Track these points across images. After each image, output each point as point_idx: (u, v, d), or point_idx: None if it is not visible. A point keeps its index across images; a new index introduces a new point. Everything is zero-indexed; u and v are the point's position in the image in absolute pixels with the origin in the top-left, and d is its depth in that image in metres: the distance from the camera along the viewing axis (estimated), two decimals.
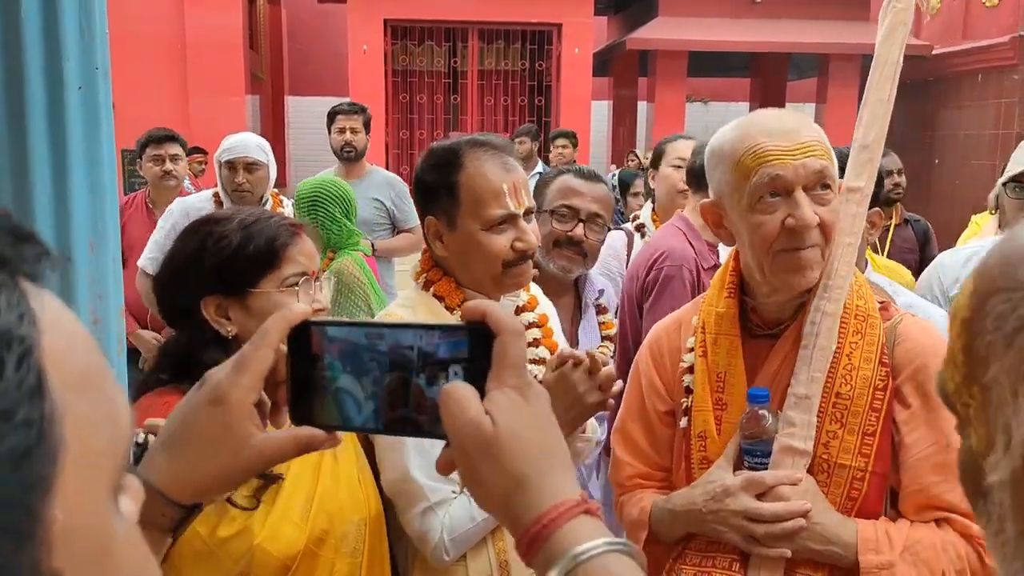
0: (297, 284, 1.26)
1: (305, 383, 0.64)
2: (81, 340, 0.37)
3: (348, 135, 3.89)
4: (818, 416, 1.16)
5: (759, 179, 1.16)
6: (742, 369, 1.24)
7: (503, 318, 0.59)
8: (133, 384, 1.32)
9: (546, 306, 1.59)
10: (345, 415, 0.63)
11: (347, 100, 4.41)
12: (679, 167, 2.69)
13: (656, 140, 10.20)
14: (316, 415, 0.64)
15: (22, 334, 0.32)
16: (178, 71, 8.81)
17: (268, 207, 3.29)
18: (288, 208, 3.37)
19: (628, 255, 2.71)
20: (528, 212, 1.40)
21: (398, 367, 0.60)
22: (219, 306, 1.26)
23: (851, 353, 1.18)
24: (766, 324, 1.27)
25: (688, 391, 1.31)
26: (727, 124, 1.27)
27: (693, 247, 2.27)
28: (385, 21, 9.08)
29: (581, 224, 2.05)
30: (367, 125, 3.99)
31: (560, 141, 6.16)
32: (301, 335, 0.64)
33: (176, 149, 3.66)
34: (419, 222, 1.51)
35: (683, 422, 1.31)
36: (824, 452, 1.16)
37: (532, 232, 1.39)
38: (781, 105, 12.11)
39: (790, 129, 1.19)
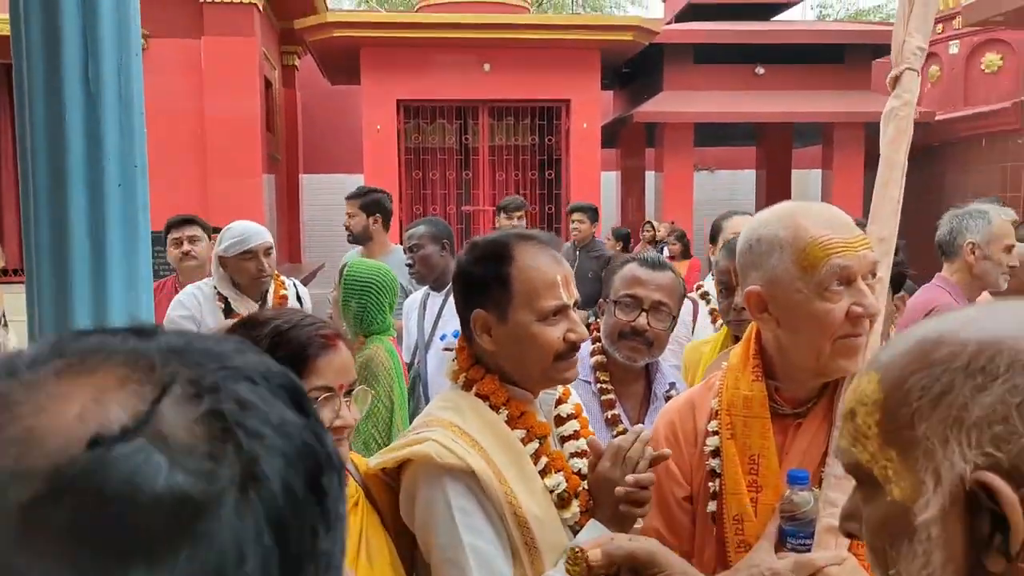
0: (318, 400, 1.20)
1: None
2: None
3: (346, 220, 4.03)
4: None
5: (829, 269, 1.20)
6: (775, 451, 1.26)
7: None
8: None
9: (576, 397, 1.58)
10: None
11: (359, 184, 4.49)
12: None
13: (665, 209, 10.31)
14: None
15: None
16: (198, 154, 9.04)
17: (269, 299, 3.23)
18: (291, 291, 3.34)
19: (694, 322, 2.79)
20: (575, 304, 1.40)
21: None
22: None
23: None
24: (790, 404, 1.30)
25: (714, 474, 1.32)
26: (765, 213, 1.32)
27: (957, 304, 2.62)
28: (398, 101, 9.34)
29: (644, 313, 2.03)
30: (366, 208, 4.02)
31: (577, 215, 5.91)
32: None
33: (194, 231, 3.72)
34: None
35: (711, 506, 1.32)
36: None
37: (581, 323, 1.40)
38: (787, 172, 12.29)
39: (846, 223, 1.26)
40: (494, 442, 1.32)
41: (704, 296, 2.91)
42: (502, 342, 1.37)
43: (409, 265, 3.48)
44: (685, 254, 8.43)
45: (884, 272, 1.31)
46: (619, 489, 1.28)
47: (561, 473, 1.36)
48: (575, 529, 1.33)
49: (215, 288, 3.15)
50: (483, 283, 1.38)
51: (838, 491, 1.18)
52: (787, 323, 1.26)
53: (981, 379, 0.57)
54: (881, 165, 1.37)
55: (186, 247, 3.65)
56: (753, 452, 1.26)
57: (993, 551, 0.55)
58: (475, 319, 1.38)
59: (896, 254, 1.69)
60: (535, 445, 1.36)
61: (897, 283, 2.48)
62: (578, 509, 1.35)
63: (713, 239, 3.24)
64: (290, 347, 1.23)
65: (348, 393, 1.27)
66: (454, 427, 1.31)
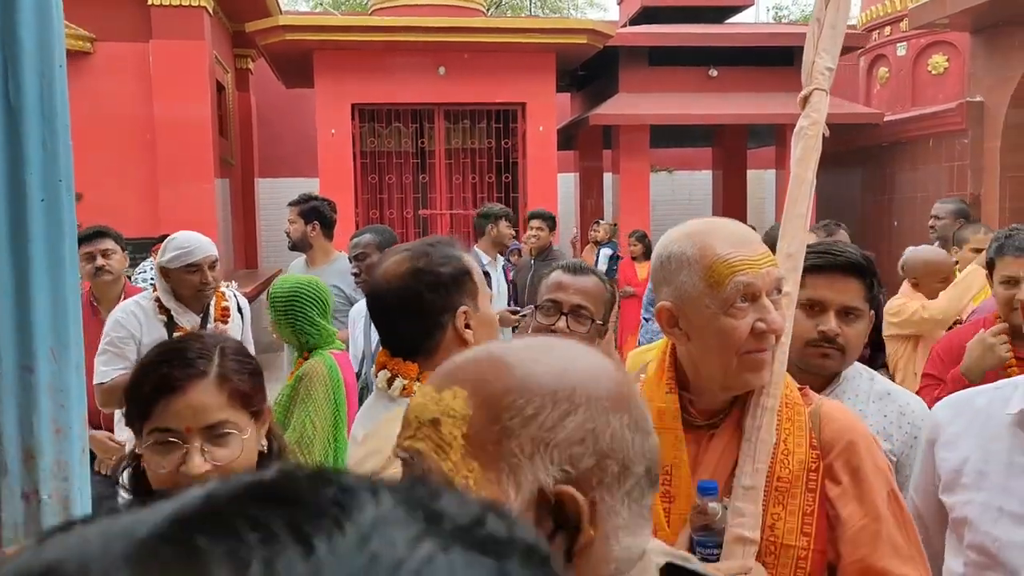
0: (162, 442, 1.27)
1: None
2: None
3: (287, 226, 4.05)
4: (774, 498, 1.22)
5: (734, 286, 1.22)
6: (686, 461, 1.28)
7: None
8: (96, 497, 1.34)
9: None
10: None
11: (314, 189, 4.48)
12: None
13: (623, 210, 10.36)
14: None
15: None
16: (147, 159, 8.88)
17: (211, 311, 3.17)
18: (232, 301, 3.28)
19: None
20: None
21: None
22: (138, 438, 1.32)
23: (786, 439, 1.24)
24: (703, 416, 1.32)
25: None
26: (676, 230, 1.33)
27: None
28: (353, 105, 9.27)
29: (564, 317, 2.06)
30: (305, 215, 4.02)
31: (536, 223, 5.75)
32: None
33: (108, 244, 3.51)
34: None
35: None
36: (771, 535, 1.21)
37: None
38: (743, 173, 12.46)
39: (751, 240, 1.28)
40: None
41: None
42: (477, 332, 1.50)
43: (355, 274, 3.46)
44: (647, 255, 8.48)
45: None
46: None
47: None
48: None
49: (155, 301, 3.07)
50: (456, 279, 1.51)
51: (746, 501, 1.21)
52: (696, 338, 1.27)
53: (567, 406, 0.66)
54: (791, 183, 1.39)
55: (99, 261, 3.46)
56: (666, 463, 1.27)
57: (555, 550, 0.63)
58: (459, 315, 1.50)
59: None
60: None
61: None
62: None
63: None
64: (150, 383, 1.31)
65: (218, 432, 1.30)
66: None
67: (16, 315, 1.69)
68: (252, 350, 3.12)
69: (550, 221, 5.82)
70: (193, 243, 3.05)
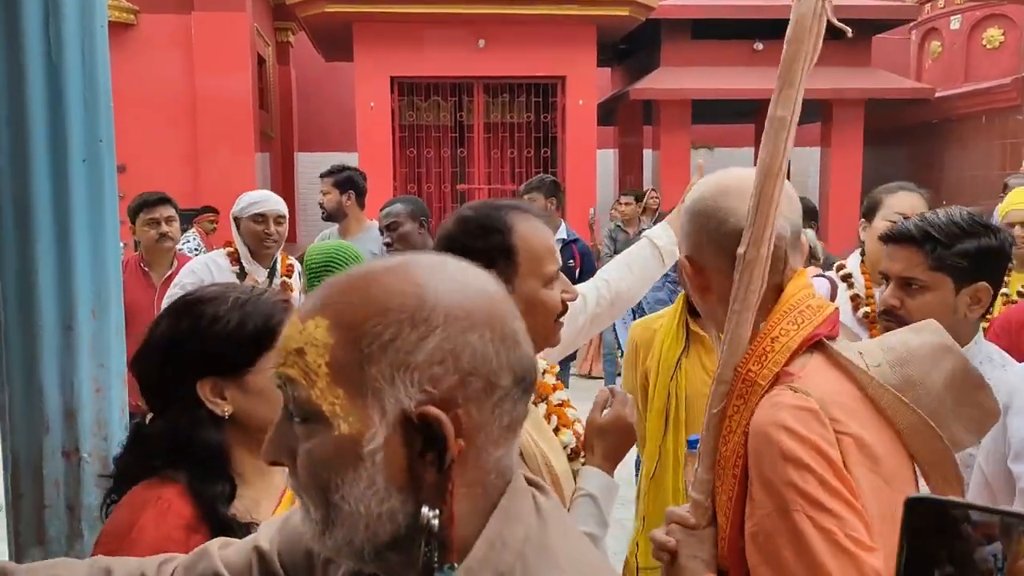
0: None
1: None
2: None
3: (320, 197, 4.10)
4: (716, 472, 1.19)
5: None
6: None
7: None
8: (118, 467, 1.28)
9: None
10: None
11: (354, 163, 4.49)
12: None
13: (663, 188, 10.25)
14: None
15: None
16: (188, 131, 8.96)
17: (278, 267, 3.35)
18: (296, 267, 3.43)
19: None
20: None
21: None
22: (215, 386, 1.24)
23: (732, 416, 1.17)
24: None
25: None
26: (711, 183, 1.27)
27: None
28: (392, 78, 9.23)
29: None
30: (339, 185, 4.05)
31: (624, 199, 6.48)
32: (925, 513, 0.52)
33: (170, 211, 3.70)
34: None
35: None
36: (715, 504, 1.19)
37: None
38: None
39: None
40: None
41: (846, 279, 2.54)
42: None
43: (388, 244, 3.45)
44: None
45: (747, 248, 1.20)
46: (602, 420, 1.41)
47: (570, 429, 1.48)
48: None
49: (227, 254, 3.30)
50: (487, 255, 1.36)
51: (702, 467, 1.21)
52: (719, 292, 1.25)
53: (424, 329, 0.67)
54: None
55: (164, 228, 3.62)
56: None
57: (427, 465, 0.67)
58: None
59: (939, 256, 1.55)
60: (544, 405, 1.46)
61: None
62: (583, 460, 1.46)
63: (869, 214, 2.61)
64: (259, 317, 1.25)
65: None
66: None
67: (58, 276, 1.69)
68: None
69: (548, 187, 5.55)
70: (264, 196, 3.34)
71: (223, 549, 0.92)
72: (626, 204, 7.47)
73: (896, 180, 2.88)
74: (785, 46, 1.23)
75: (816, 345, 1.17)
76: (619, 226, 7.46)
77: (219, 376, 1.24)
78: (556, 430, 1.47)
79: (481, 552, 0.70)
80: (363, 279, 0.71)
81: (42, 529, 1.65)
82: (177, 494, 1.17)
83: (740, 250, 1.18)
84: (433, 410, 0.66)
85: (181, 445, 1.21)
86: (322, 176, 4.14)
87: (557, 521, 0.76)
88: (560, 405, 1.53)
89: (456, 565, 0.69)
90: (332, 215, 4.08)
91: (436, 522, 0.67)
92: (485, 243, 1.39)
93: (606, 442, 1.43)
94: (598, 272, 2.05)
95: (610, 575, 0.80)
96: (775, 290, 1.22)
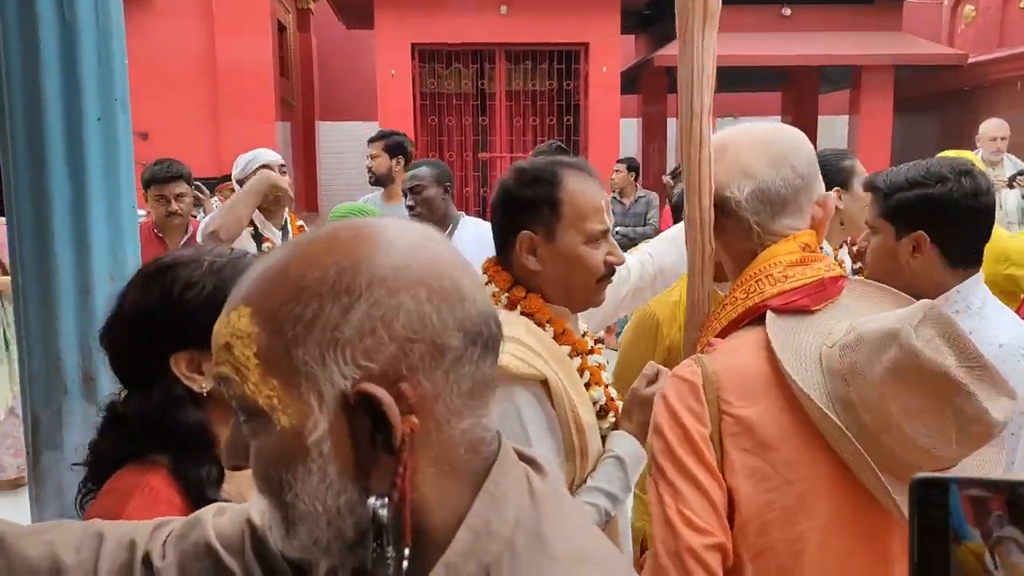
0: None
1: (933, 555, 0.52)
2: None
3: (369, 161, 4.06)
4: None
5: None
6: None
7: None
8: (94, 450, 1.15)
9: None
10: None
11: (378, 128, 4.46)
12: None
13: None
14: None
15: None
16: (209, 98, 8.94)
17: (289, 228, 3.30)
18: (307, 228, 3.40)
19: None
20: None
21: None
22: (191, 360, 1.11)
23: None
24: None
25: None
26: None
27: None
28: (413, 45, 9.14)
29: None
30: (389, 149, 4.04)
31: (617, 166, 5.97)
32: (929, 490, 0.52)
33: (181, 188, 3.64)
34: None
35: None
36: None
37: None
38: (814, 119, 11.98)
39: None
40: (550, 356, 1.39)
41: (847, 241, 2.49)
42: (548, 262, 1.43)
43: (410, 207, 3.41)
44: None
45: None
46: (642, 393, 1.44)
47: (601, 387, 1.48)
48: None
49: None
50: (533, 204, 1.43)
51: None
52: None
53: (347, 299, 0.60)
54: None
55: (173, 206, 3.60)
56: None
57: (379, 449, 0.61)
58: (521, 239, 1.44)
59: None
60: (579, 360, 1.46)
61: None
62: (613, 419, 1.49)
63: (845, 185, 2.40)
64: (235, 283, 1.14)
65: None
66: (516, 340, 1.36)
67: (74, 239, 1.66)
68: None
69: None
70: (258, 151, 3.29)
71: (217, 517, 0.86)
72: (616, 172, 6.72)
73: (927, 148, 2.85)
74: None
75: (763, 318, 1.12)
76: (615, 197, 6.79)
77: (195, 349, 1.11)
78: (587, 386, 1.46)
79: (463, 543, 0.63)
80: (282, 258, 0.65)
81: (63, 494, 1.64)
82: (163, 480, 1.08)
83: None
84: (368, 386, 0.60)
85: (159, 426, 1.10)
86: (371, 141, 4.11)
87: (554, 505, 0.68)
88: (598, 367, 1.54)
89: (407, 553, 0.61)
90: (380, 179, 4.05)
91: (384, 511, 0.61)
92: (532, 192, 1.44)
93: (644, 415, 1.41)
94: (641, 246, 2.02)
95: (616, 565, 0.70)
96: (748, 256, 1.20)
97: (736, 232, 1.21)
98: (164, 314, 1.11)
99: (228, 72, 8.87)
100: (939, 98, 10.63)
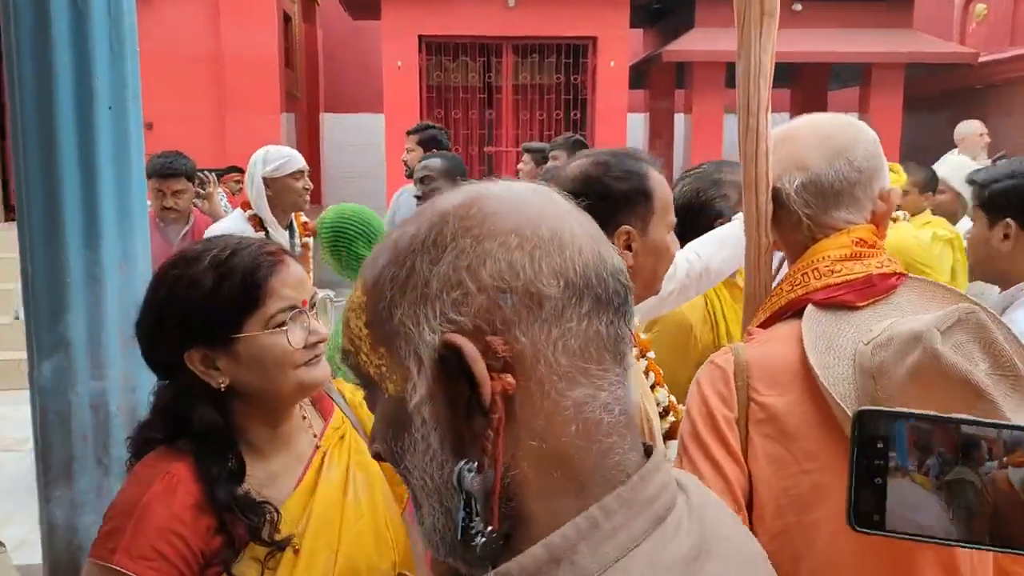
0: (285, 322, 1.15)
1: (867, 480, 0.58)
2: None
3: (405, 155, 4.16)
4: None
5: None
6: None
7: None
8: (137, 432, 1.22)
9: None
10: (922, 522, 0.56)
11: (380, 125, 4.52)
12: None
13: (694, 154, 10.06)
14: (886, 521, 0.57)
15: None
16: (214, 89, 8.92)
17: (295, 227, 3.23)
18: (311, 239, 3.30)
19: None
20: None
21: (974, 463, 0.55)
22: (205, 357, 1.14)
23: None
24: None
25: None
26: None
27: None
28: (420, 37, 9.11)
29: None
30: (424, 143, 4.11)
31: (525, 157, 5.42)
32: (867, 422, 0.58)
33: (180, 184, 3.63)
34: None
35: None
36: None
37: None
38: None
39: None
40: None
41: None
42: (641, 256, 1.41)
43: (418, 197, 3.40)
44: None
45: None
46: None
47: (663, 388, 1.47)
48: None
49: (248, 219, 3.13)
50: (631, 198, 1.41)
51: None
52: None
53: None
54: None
55: (168, 202, 3.60)
56: None
57: (476, 413, 0.55)
58: (620, 235, 1.40)
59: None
60: (644, 362, 1.47)
61: None
62: (672, 419, 1.46)
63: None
64: (237, 276, 1.14)
65: (312, 307, 1.21)
66: None
67: (84, 228, 1.65)
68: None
69: (538, 155, 5.38)
70: (292, 152, 3.18)
71: None
72: None
73: (937, 147, 3.01)
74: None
75: (802, 311, 1.14)
76: None
77: (206, 346, 1.14)
78: (652, 387, 1.46)
79: (532, 561, 0.54)
80: (392, 231, 0.64)
81: (71, 482, 1.63)
82: (186, 468, 1.12)
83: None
84: (452, 336, 0.55)
85: (180, 418, 1.14)
86: (408, 133, 4.18)
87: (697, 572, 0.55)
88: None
89: (490, 530, 0.55)
90: (413, 172, 4.11)
91: (470, 476, 0.54)
92: (628, 185, 1.42)
93: None
94: (688, 245, 2.01)
95: None
96: (800, 248, 1.21)
97: (787, 224, 1.22)
98: (172, 312, 1.14)
99: (233, 63, 8.85)
100: (949, 96, 10.58)
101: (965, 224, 3.20)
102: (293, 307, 1.16)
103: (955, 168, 3.97)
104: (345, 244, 2.63)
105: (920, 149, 10.13)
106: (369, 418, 1.37)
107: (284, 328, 1.14)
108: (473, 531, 0.55)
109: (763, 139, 1.26)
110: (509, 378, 0.55)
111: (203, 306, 1.12)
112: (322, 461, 1.23)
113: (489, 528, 0.55)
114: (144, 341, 1.19)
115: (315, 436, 1.26)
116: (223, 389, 1.14)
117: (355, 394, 1.37)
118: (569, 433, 0.56)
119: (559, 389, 0.56)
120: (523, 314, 0.55)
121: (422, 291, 0.57)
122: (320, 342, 1.18)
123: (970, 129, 5.96)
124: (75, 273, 1.64)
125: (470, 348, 0.54)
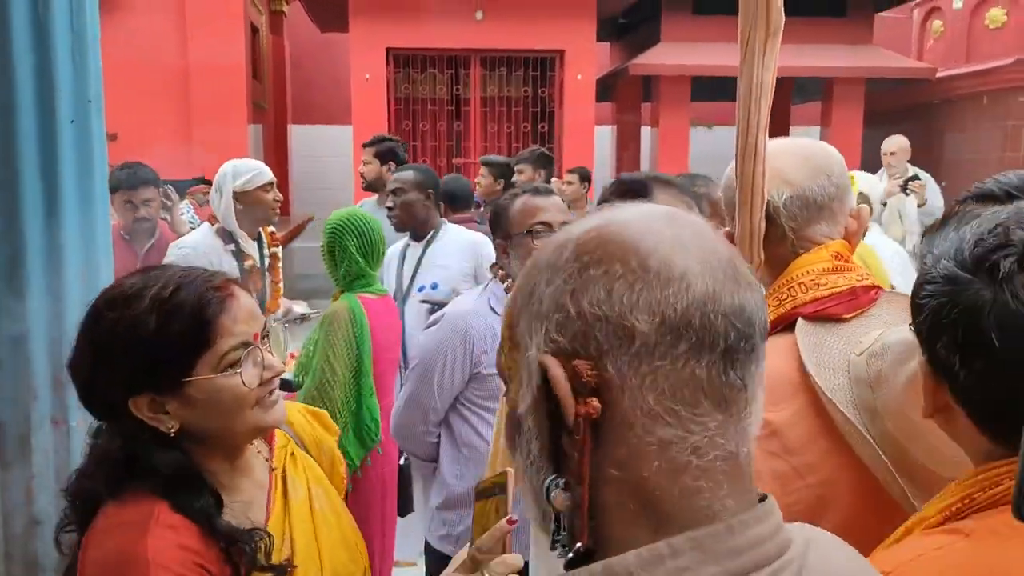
0: (238, 360, 1.06)
1: None
2: None
3: (361, 167, 4.16)
4: None
5: None
6: None
7: None
8: (80, 489, 1.10)
9: None
10: None
11: (347, 136, 4.53)
12: None
13: (660, 166, 10.17)
14: None
15: None
16: (181, 100, 8.83)
17: (263, 239, 3.21)
18: (279, 250, 3.31)
19: None
20: None
21: None
22: (152, 402, 1.05)
23: None
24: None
25: None
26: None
27: None
28: (387, 50, 9.11)
29: None
30: (380, 156, 4.15)
31: (568, 176, 5.60)
32: None
33: (149, 193, 3.57)
34: None
35: None
36: None
37: None
38: (786, 130, 12.12)
39: None
40: None
41: None
42: None
43: (389, 208, 3.40)
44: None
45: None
46: None
47: None
48: None
49: (217, 233, 3.06)
50: None
51: None
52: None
53: (550, 274, 0.60)
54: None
55: (140, 212, 3.54)
56: None
57: (565, 432, 0.57)
58: None
59: None
60: None
61: None
62: None
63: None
64: (184, 314, 1.04)
65: (264, 337, 1.13)
66: None
67: (46, 240, 1.64)
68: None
69: (499, 168, 5.39)
70: (260, 164, 3.15)
71: None
72: (568, 184, 5.72)
73: None
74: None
75: (795, 324, 1.14)
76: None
77: (153, 391, 1.04)
78: None
79: (587, 575, 0.56)
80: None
81: (31, 499, 1.61)
82: (169, 509, 1.03)
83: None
84: (544, 357, 0.58)
85: (127, 467, 1.05)
86: (364, 146, 4.19)
87: None
88: None
89: (580, 547, 0.56)
90: (372, 185, 4.16)
91: (555, 491, 0.57)
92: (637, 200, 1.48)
93: None
94: None
95: None
96: (782, 263, 1.21)
97: (773, 238, 1.22)
98: (111, 356, 1.04)
99: (200, 74, 8.78)
100: (908, 111, 10.81)
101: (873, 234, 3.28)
102: (246, 344, 1.08)
103: (864, 180, 4.05)
104: (338, 238, 2.65)
105: (879, 161, 10.34)
106: (307, 431, 1.37)
107: (238, 370, 1.06)
108: (559, 543, 0.58)
109: (760, 160, 1.24)
110: (595, 403, 0.56)
111: (148, 349, 1.02)
112: (284, 483, 1.20)
113: (578, 544, 0.57)
114: (80, 385, 1.09)
115: (266, 460, 1.22)
116: (172, 434, 1.06)
117: (289, 410, 1.31)
118: (651, 469, 0.56)
119: (644, 425, 0.56)
120: (615, 345, 0.56)
121: (537, 309, 0.60)
122: (275, 377, 1.12)
123: (899, 144, 6.09)
124: (35, 286, 1.63)
125: (555, 368, 0.57)
